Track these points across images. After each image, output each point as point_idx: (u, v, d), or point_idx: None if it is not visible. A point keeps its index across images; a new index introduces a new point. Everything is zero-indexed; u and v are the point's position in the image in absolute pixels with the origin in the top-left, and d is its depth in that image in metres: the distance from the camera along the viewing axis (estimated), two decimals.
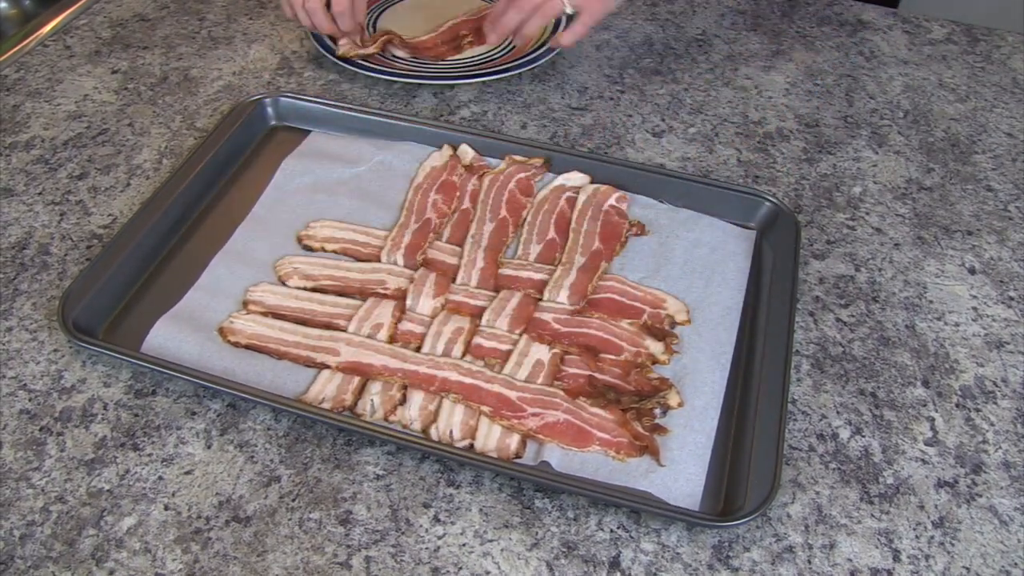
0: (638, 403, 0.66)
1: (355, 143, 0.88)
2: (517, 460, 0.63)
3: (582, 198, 0.82)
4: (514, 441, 0.63)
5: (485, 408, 0.64)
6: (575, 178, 0.84)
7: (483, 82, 0.98)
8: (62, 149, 0.88)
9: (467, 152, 0.86)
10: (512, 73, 0.97)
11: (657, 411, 0.65)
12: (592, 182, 0.84)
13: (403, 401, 0.65)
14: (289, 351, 0.68)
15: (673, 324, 0.72)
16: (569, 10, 0.86)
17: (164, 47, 1.03)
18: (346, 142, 0.88)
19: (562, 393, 0.66)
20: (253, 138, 0.89)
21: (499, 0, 0.90)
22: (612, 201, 0.81)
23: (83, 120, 0.92)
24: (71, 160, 0.87)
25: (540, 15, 0.88)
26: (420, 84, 0.97)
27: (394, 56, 1.01)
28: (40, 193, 0.83)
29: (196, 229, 0.79)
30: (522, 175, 0.84)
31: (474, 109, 0.95)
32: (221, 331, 0.69)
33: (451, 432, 0.64)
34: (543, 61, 0.99)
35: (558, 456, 0.63)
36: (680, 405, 0.66)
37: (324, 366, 0.67)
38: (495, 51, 1.03)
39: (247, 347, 0.68)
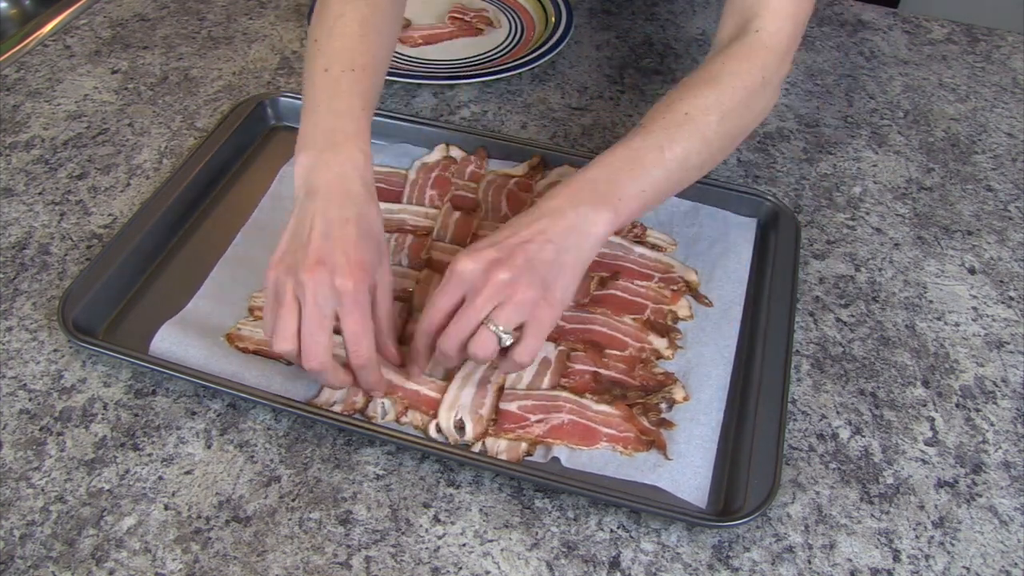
0: (644, 398, 0.66)
1: None
2: (528, 458, 0.63)
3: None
4: (524, 443, 0.64)
5: (491, 429, 0.64)
6: (570, 173, 0.84)
7: (483, 82, 0.98)
8: (62, 149, 0.88)
9: (456, 153, 0.87)
10: (512, 73, 0.97)
11: (663, 406, 0.66)
12: None
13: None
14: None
15: (676, 320, 0.72)
16: (507, 341, 0.59)
17: (164, 47, 1.03)
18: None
19: (564, 394, 0.66)
20: (253, 138, 0.89)
21: (417, 330, 0.63)
22: None
23: (83, 120, 0.92)
24: (71, 160, 0.87)
25: (472, 358, 0.60)
26: (420, 84, 0.97)
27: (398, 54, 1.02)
28: (40, 193, 0.83)
29: (196, 229, 0.79)
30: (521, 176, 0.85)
31: (474, 109, 0.95)
32: (228, 337, 0.69)
33: (460, 423, 0.64)
34: (543, 61, 0.99)
35: (567, 453, 0.63)
36: (685, 399, 0.66)
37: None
38: (495, 51, 1.03)
39: (255, 352, 0.68)
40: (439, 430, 0.64)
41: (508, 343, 0.59)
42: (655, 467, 0.62)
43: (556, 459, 0.63)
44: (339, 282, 0.58)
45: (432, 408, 0.65)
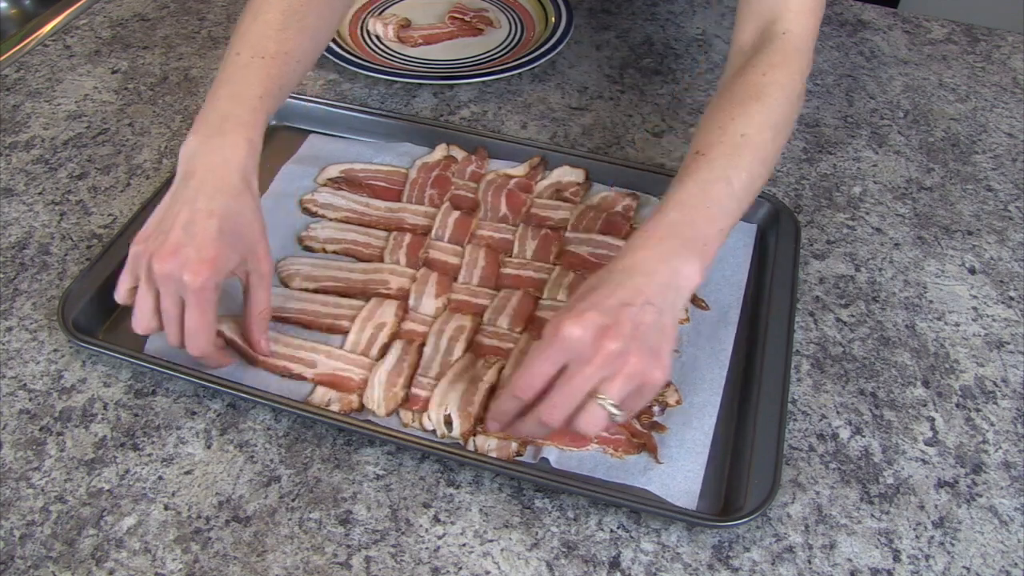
0: None
1: (353, 146, 0.88)
2: (518, 458, 0.63)
3: (587, 202, 0.82)
4: (514, 443, 0.63)
5: (479, 427, 0.64)
6: (569, 174, 0.84)
7: (483, 82, 0.98)
8: (62, 149, 0.88)
9: (458, 153, 0.87)
10: (512, 73, 0.97)
11: (655, 409, 0.66)
12: (587, 178, 0.84)
13: (407, 400, 0.65)
14: (266, 360, 0.68)
15: None
16: (618, 417, 0.56)
17: (164, 47, 1.03)
18: (344, 145, 0.88)
19: None
20: None
21: (509, 391, 0.59)
22: (618, 208, 0.81)
23: (83, 120, 0.92)
24: (71, 160, 0.87)
25: (575, 432, 0.57)
26: (420, 84, 0.97)
27: (391, 51, 1.02)
28: (40, 193, 0.83)
29: None
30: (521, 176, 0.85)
31: (474, 109, 0.95)
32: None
33: (448, 415, 0.64)
34: (543, 61, 0.99)
35: (556, 454, 0.63)
36: (678, 403, 0.66)
37: (301, 377, 0.67)
38: (495, 51, 1.03)
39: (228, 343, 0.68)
40: (431, 420, 0.64)
41: (619, 418, 0.56)
42: (645, 470, 0.62)
43: (545, 460, 0.62)
44: (187, 277, 0.60)
45: (415, 405, 0.65)
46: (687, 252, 0.59)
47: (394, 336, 0.70)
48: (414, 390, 0.66)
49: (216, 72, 0.68)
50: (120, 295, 0.64)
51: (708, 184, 0.62)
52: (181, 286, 0.60)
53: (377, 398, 0.65)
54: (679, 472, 0.62)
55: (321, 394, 0.66)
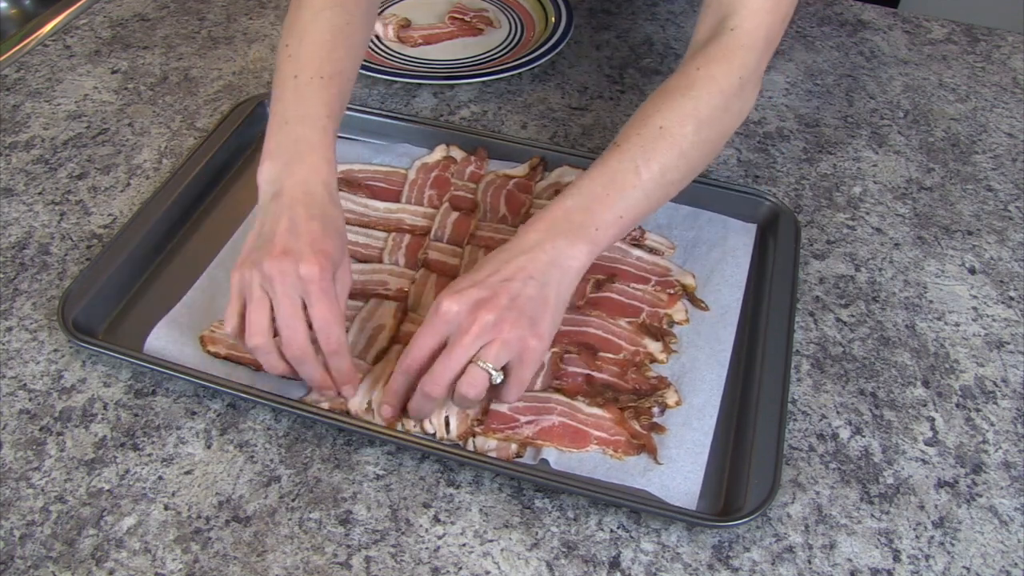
0: (636, 402, 0.66)
1: (353, 146, 0.88)
2: (518, 459, 0.63)
3: None
4: (513, 444, 0.63)
5: (477, 428, 0.64)
6: (569, 174, 0.84)
7: (483, 82, 0.98)
8: (62, 149, 0.88)
9: (457, 154, 0.87)
10: (512, 73, 0.97)
11: (655, 410, 0.65)
12: None
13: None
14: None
15: (671, 323, 0.72)
16: (497, 378, 0.59)
17: (164, 47, 1.03)
18: (343, 145, 0.88)
19: (556, 396, 0.66)
20: (253, 138, 0.89)
21: (397, 369, 0.61)
22: None
23: (83, 120, 0.92)
24: (71, 160, 0.87)
25: (460, 398, 0.59)
26: (420, 84, 0.97)
27: (391, 51, 1.02)
28: (40, 193, 0.83)
29: (196, 229, 0.79)
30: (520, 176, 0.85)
31: (474, 109, 0.95)
32: (201, 340, 0.68)
33: (447, 420, 0.64)
34: (543, 61, 0.99)
35: (556, 455, 0.63)
36: (678, 404, 0.66)
37: (298, 378, 0.66)
38: (495, 51, 1.03)
39: (227, 358, 0.67)
40: (431, 423, 0.64)
41: (499, 380, 0.59)
42: (645, 471, 0.62)
43: (545, 461, 0.62)
44: (304, 270, 0.59)
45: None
46: (576, 234, 0.61)
47: (393, 340, 0.70)
48: None
49: (273, 93, 0.68)
50: (230, 324, 0.61)
51: (614, 173, 0.63)
52: (299, 282, 0.59)
53: (376, 411, 0.65)
54: (679, 473, 0.62)
55: (316, 394, 0.66)
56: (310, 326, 0.60)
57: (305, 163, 0.64)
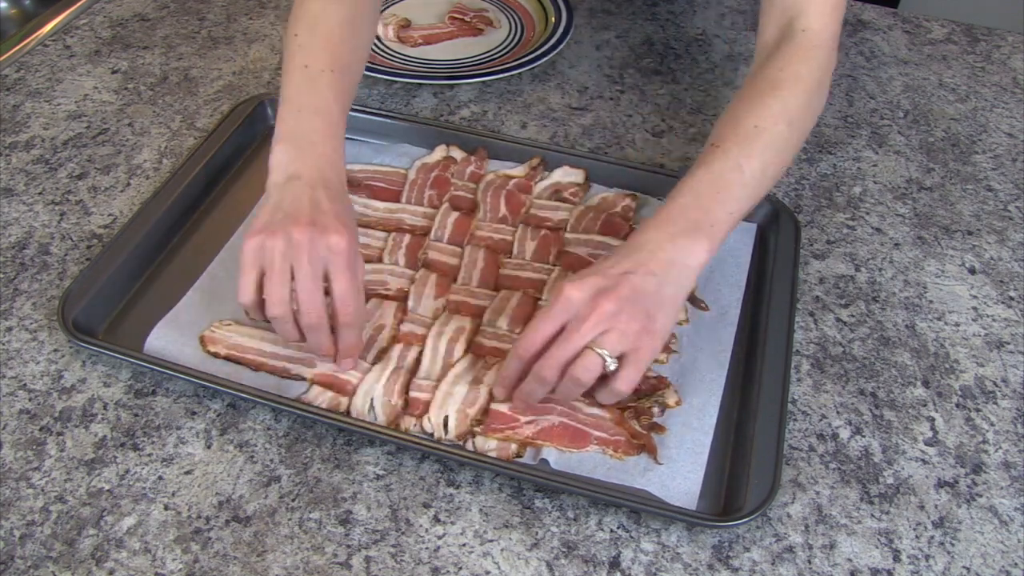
0: (636, 402, 0.66)
1: (353, 146, 0.88)
2: (517, 459, 0.63)
3: (587, 203, 0.82)
4: (513, 444, 0.63)
5: (476, 428, 0.64)
6: (569, 175, 0.84)
7: (483, 82, 0.98)
8: (62, 149, 0.88)
9: (457, 154, 0.87)
10: (512, 73, 0.97)
11: (655, 410, 0.65)
12: (587, 179, 0.84)
13: (405, 407, 0.65)
14: (265, 362, 0.67)
15: None
16: (612, 365, 0.59)
17: (164, 47, 1.03)
18: (344, 145, 0.88)
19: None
20: (253, 138, 0.89)
21: (511, 354, 0.63)
22: (617, 209, 0.81)
23: (83, 120, 0.92)
24: (71, 160, 0.87)
25: (572, 382, 0.60)
26: (420, 84, 0.97)
27: (391, 51, 1.02)
28: (40, 193, 0.83)
29: (196, 229, 0.79)
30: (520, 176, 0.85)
31: (474, 109, 0.95)
32: (201, 340, 0.68)
33: (445, 419, 0.64)
34: (543, 61, 0.99)
35: (555, 455, 0.63)
36: (678, 404, 0.66)
37: (300, 378, 0.67)
38: (495, 51, 1.03)
39: (227, 358, 0.67)
40: (430, 422, 0.64)
41: (613, 368, 0.59)
42: (645, 471, 0.62)
43: (545, 461, 0.62)
44: (334, 240, 0.60)
45: (415, 408, 0.65)
46: (695, 232, 0.63)
47: (393, 339, 0.70)
48: (413, 394, 0.66)
49: (283, 81, 0.69)
50: (247, 294, 0.62)
51: (719, 172, 0.65)
52: (325, 252, 0.60)
53: (376, 411, 0.65)
54: (678, 473, 0.62)
55: (316, 393, 0.66)
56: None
57: (319, 152, 0.65)
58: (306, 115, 0.66)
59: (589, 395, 0.66)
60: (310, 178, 0.63)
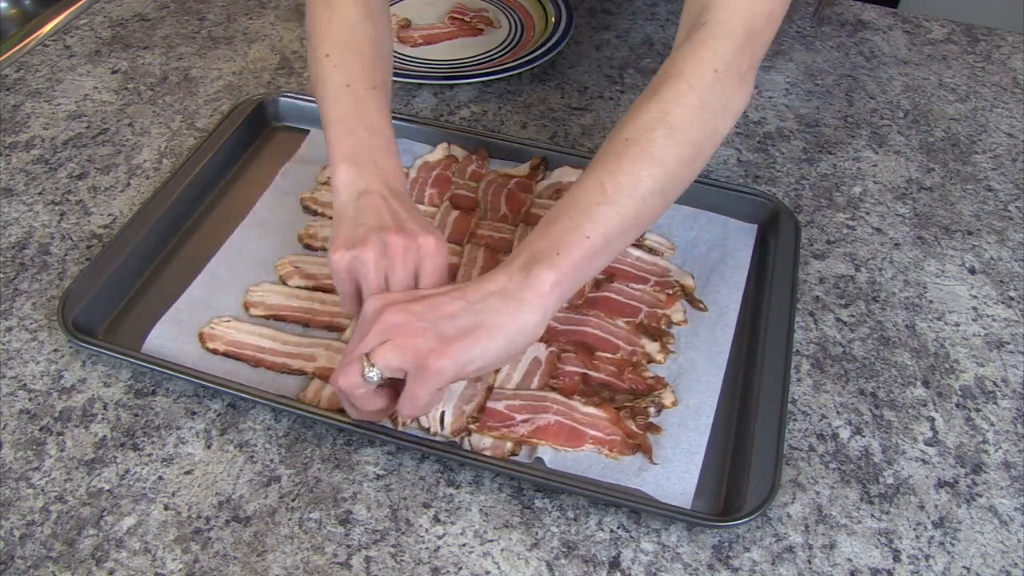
0: (632, 401, 0.66)
1: None
2: (513, 457, 0.63)
3: None
4: (508, 442, 0.63)
5: (472, 426, 0.64)
6: (569, 174, 0.84)
7: (483, 82, 0.98)
8: (62, 149, 0.88)
9: (458, 153, 0.87)
10: (512, 73, 0.97)
11: (651, 410, 0.65)
12: None
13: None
14: (264, 358, 0.68)
15: (670, 324, 0.72)
16: (373, 377, 0.57)
17: (164, 47, 1.03)
18: None
19: (553, 395, 0.66)
20: (253, 138, 0.89)
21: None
22: None
23: (83, 120, 0.92)
24: (71, 160, 0.87)
25: (337, 390, 0.60)
26: (420, 84, 0.97)
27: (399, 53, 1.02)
28: (40, 193, 0.83)
29: (196, 229, 0.79)
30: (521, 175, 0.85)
31: (474, 109, 0.95)
32: (201, 337, 0.69)
33: (442, 415, 0.64)
34: (543, 61, 0.99)
35: (551, 454, 0.63)
36: (674, 404, 0.66)
37: (301, 372, 0.67)
38: (495, 51, 1.03)
39: (225, 354, 0.68)
40: (427, 417, 0.64)
41: (374, 379, 0.57)
42: (640, 471, 0.62)
43: (540, 460, 0.62)
44: (424, 241, 0.62)
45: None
46: (534, 263, 0.58)
47: None
48: None
49: (326, 101, 0.68)
50: (349, 306, 0.65)
51: (577, 195, 0.61)
52: (419, 254, 0.62)
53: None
54: (674, 473, 0.62)
55: (315, 389, 0.66)
56: None
57: (382, 168, 0.66)
58: (361, 135, 0.67)
59: (588, 395, 0.66)
60: (381, 192, 0.64)
